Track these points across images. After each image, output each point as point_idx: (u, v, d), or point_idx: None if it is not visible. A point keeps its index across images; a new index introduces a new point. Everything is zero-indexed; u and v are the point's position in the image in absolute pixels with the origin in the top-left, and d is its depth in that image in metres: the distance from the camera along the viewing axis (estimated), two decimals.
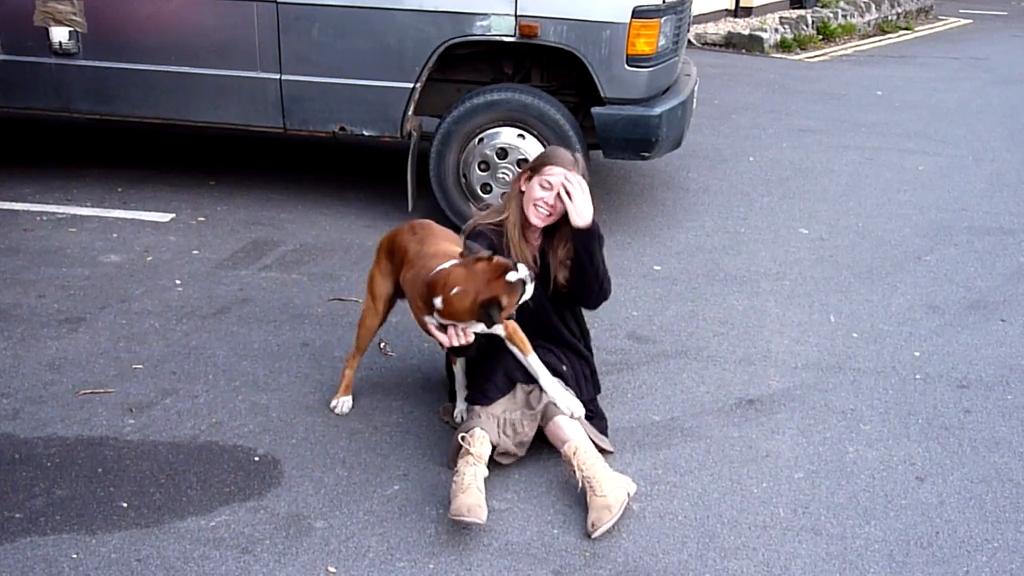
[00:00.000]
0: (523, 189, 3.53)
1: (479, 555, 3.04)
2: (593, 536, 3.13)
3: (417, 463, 3.49)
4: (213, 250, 5.28)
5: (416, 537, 3.11)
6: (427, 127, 5.86)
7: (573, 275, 3.57)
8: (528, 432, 3.39)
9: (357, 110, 5.53)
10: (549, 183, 3.46)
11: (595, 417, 3.60)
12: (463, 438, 3.28)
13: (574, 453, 3.26)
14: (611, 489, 3.18)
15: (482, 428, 3.31)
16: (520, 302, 3.20)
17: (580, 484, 3.22)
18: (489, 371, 3.46)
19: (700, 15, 14.04)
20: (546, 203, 3.47)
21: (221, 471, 3.38)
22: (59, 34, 5.52)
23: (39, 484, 3.26)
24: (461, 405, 3.63)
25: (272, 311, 4.59)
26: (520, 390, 3.45)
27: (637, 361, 4.30)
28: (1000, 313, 4.99)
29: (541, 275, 3.55)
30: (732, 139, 8.21)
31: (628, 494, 3.22)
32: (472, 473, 3.17)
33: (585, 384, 3.67)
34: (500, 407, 3.40)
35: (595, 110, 5.35)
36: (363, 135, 5.61)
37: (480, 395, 3.43)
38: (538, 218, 3.50)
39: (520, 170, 3.63)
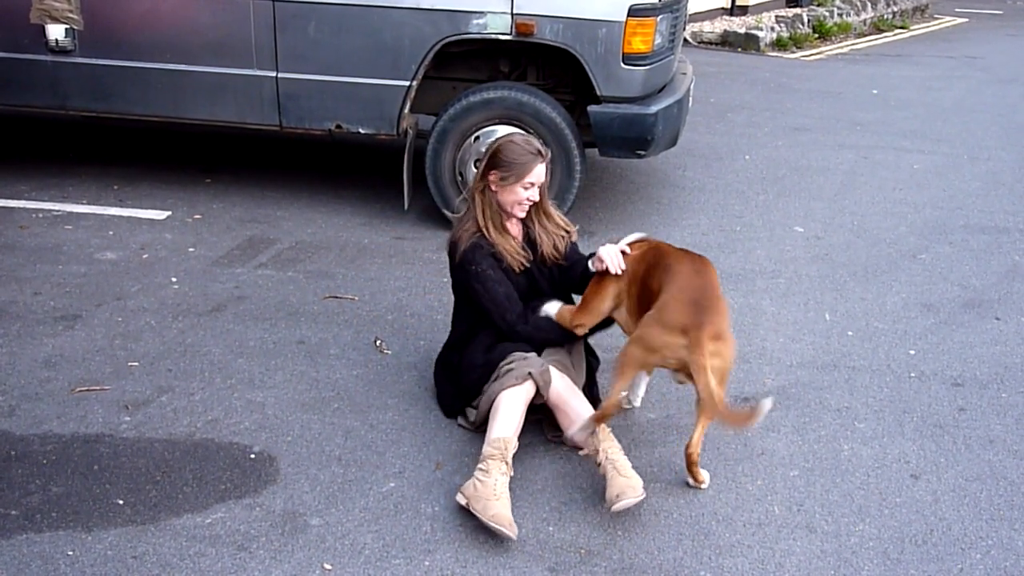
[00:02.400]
0: (496, 188, 3.57)
1: (474, 552, 3.04)
2: (614, 508, 3.15)
3: (413, 460, 3.49)
4: (209, 248, 5.28)
5: (412, 534, 3.11)
6: (423, 125, 5.86)
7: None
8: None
9: (353, 108, 5.53)
10: (531, 183, 3.55)
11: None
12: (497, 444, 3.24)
13: (603, 439, 3.30)
14: (634, 475, 3.23)
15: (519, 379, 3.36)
16: None
17: (601, 466, 3.26)
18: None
19: (696, 13, 14.04)
20: (531, 200, 3.59)
21: (217, 468, 3.39)
22: (55, 31, 5.51)
23: (35, 481, 3.26)
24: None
25: (268, 309, 4.59)
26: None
27: None
28: (995, 311, 5.00)
29: (535, 259, 3.69)
30: (728, 137, 8.22)
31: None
32: (504, 483, 3.15)
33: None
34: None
35: (591, 108, 5.35)
36: (359, 133, 5.61)
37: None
38: (523, 212, 3.63)
39: (483, 167, 3.61)
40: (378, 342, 4.32)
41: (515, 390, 3.35)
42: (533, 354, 3.51)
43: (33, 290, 4.67)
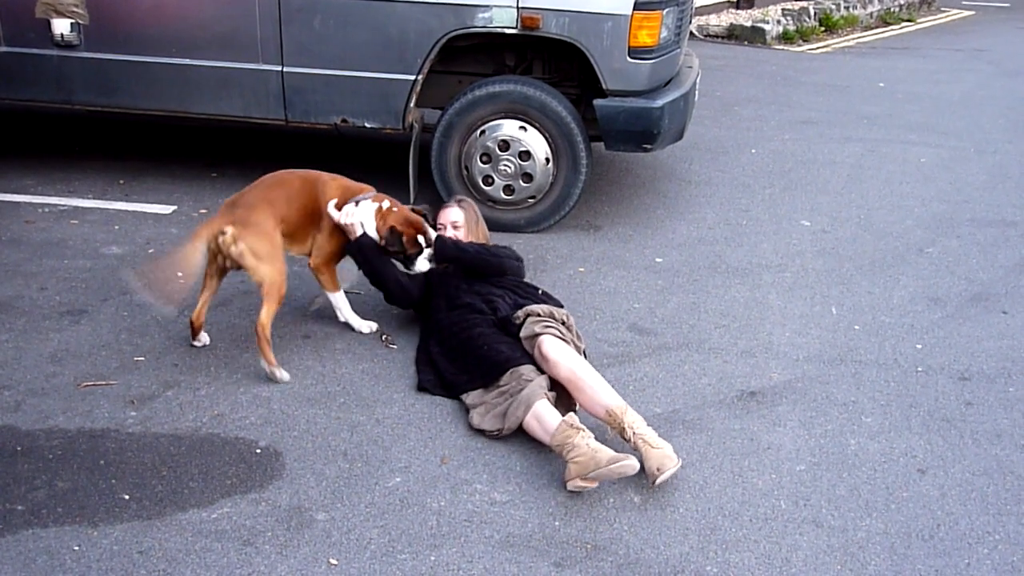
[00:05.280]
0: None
1: (480, 547, 3.04)
2: (658, 481, 3.29)
3: (419, 455, 3.49)
4: None
5: (417, 529, 3.11)
6: (429, 119, 5.86)
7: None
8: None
9: (359, 102, 5.52)
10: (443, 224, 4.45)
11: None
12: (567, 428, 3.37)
13: (624, 413, 3.44)
14: (665, 444, 3.38)
15: (544, 390, 3.59)
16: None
17: (631, 442, 3.37)
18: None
19: (702, 7, 14.02)
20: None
21: (223, 463, 3.39)
22: (61, 26, 5.52)
23: (41, 476, 3.27)
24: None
25: None
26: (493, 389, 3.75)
27: (639, 353, 4.30)
28: (1002, 305, 4.98)
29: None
30: (734, 131, 8.20)
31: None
32: (592, 440, 3.31)
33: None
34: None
35: (597, 102, 5.34)
36: (365, 127, 5.61)
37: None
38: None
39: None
40: (384, 337, 4.31)
41: (543, 401, 3.52)
42: (529, 368, 3.69)
43: (39, 285, 4.67)
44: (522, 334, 3.83)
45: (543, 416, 3.46)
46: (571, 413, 3.45)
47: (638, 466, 3.25)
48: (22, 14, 5.53)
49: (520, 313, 3.90)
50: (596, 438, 3.37)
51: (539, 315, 3.87)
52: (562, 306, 4.07)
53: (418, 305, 4.35)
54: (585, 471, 3.22)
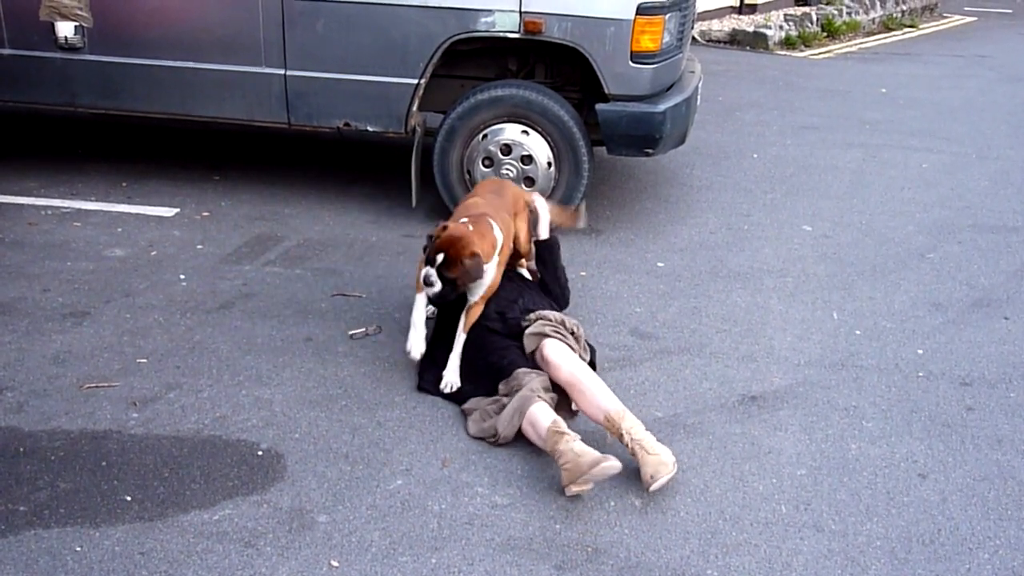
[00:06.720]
0: None
1: (481, 550, 3.04)
2: (652, 488, 3.29)
3: (420, 458, 3.49)
4: (217, 245, 5.29)
5: (419, 532, 3.11)
6: (431, 123, 5.87)
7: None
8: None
9: (361, 106, 5.53)
10: None
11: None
12: (554, 428, 3.39)
13: (621, 419, 3.44)
14: (662, 449, 3.37)
15: (536, 394, 3.56)
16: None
17: (629, 447, 3.38)
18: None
19: (705, 12, 14.02)
20: None
21: (224, 465, 3.39)
22: (65, 29, 5.53)
23: (43, 477, 3.27)
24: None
25: (276, 306, 4.60)
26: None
27: (640, 357, 4.30)
28: (1003, 311, 4.99)
29: None
30: (736, 136, 8.20)
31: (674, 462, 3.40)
32: (579, 445, 3.30)
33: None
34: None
35: (599, 107, 5.34)
36: (367, 131, 5.62)
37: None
38: None
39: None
40: (375, 328, 4.32)
41: (538, 404, 3.51)
42: (523, 372, 3.69)
43: (42, 287, 4.68)
44: (528, 330, 3.83)
45: (537, 421, 3.46)
46: (557, 419, 3.44)
47: (619, 465, 3.25)
48: (26, 17, 5.54)
49: (532, 316, 3.91)
50: (594, 441, 3.38)
51: (549, 320, 3.88)
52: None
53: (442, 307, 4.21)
54: (574, 477, 3.23)
